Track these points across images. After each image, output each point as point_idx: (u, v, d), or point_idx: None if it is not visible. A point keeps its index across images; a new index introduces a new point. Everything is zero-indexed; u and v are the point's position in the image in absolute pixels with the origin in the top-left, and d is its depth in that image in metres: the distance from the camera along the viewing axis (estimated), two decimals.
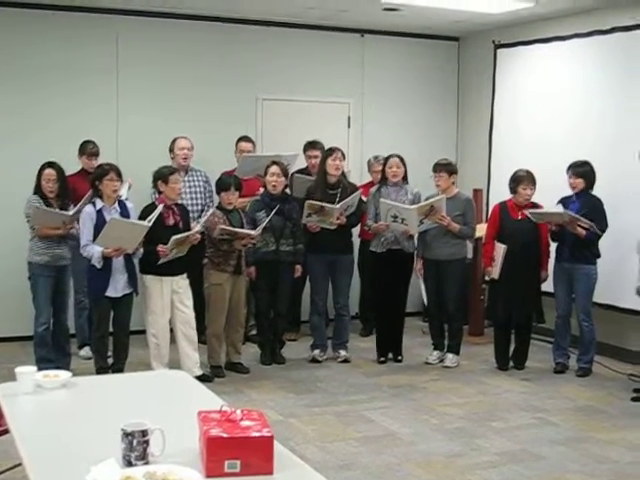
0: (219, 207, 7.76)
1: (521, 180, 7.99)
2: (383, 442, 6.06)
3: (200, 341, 8.30)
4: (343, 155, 8.19)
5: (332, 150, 8.19)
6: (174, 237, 7.08)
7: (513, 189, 8.04)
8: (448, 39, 10.87)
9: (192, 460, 2.86)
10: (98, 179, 7.03)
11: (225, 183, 7.77)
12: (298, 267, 8.17)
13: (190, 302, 7.47)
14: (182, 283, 7.43)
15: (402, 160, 8.14)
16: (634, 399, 7.13)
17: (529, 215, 7.84)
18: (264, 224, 7.66)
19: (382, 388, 7.51)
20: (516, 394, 7.40)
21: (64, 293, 7.59)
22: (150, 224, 6.93)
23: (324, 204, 7.89)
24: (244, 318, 8.11)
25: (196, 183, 8.73)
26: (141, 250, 7.13)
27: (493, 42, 10.10)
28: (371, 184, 8.87)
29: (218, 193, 7.83)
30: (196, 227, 7.44)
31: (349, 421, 6.55)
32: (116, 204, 7.10)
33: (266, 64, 9.87)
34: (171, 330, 7.50)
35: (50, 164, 7.38)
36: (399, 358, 8.43)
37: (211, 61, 9.64)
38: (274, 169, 7.97)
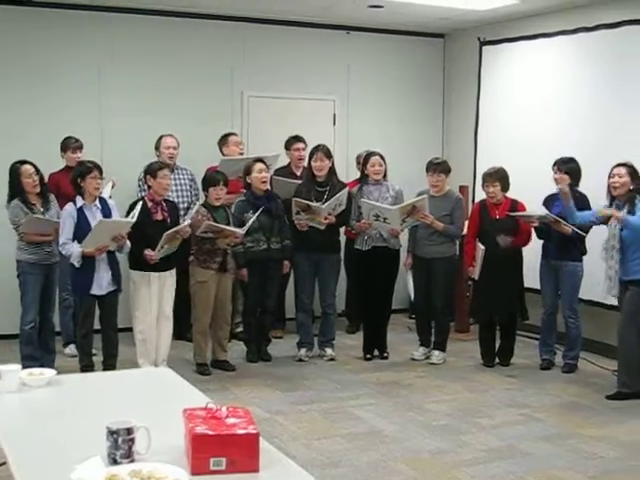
0: (205, 204, 7.74)
1: (484, 179, 8.05)
2: (369, 439, 6.06)
3: (186, 339, 8.32)
4: (328, 153, 8.17)
5: (314, 150, 8.19)
6: (166, 233, 7.07)
7: (483, 188, 8.09)
8: (433, 36, 10.88)
9: (178, 458, 2.85)
10: (80, 177, 6.99)
11: (213, 179, 7.76)
12: (286, 263, 8.17)
13: (171, 299, 7.47)
14: (169, 279, 7.42)
15: (382, 158, 8.15)
16: (609, 397, 7.14)
17: (520, 217, 7.89)
18: (249, 224, 7.63)
19: (368, 385, 7.51)
20: (502, 391, 7.41)
21: (52, 291, 7.55)
22: (134, 220, 6.92)
23: (310, 203, 7.88)
24: (230, 315, 8.10)
25: (182, 181, 8.72)
26: (128, 244, 7.10)
27: (478, 39, 10.11)
28: (359, 181, 8.85)
29: (206, 189, 7.81)
30: (185, 221, 7.42)
31: (335, 418, 6.55)
32: (97, 201, 7.06)
33: (252, 61, 9.86)
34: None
35: (23, 161, 7.31)
36: (385, 355, 8.44)
37: (196, 58, 9.61)
38: (260, 166, 7.96)
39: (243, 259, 7.89)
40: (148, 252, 7.13)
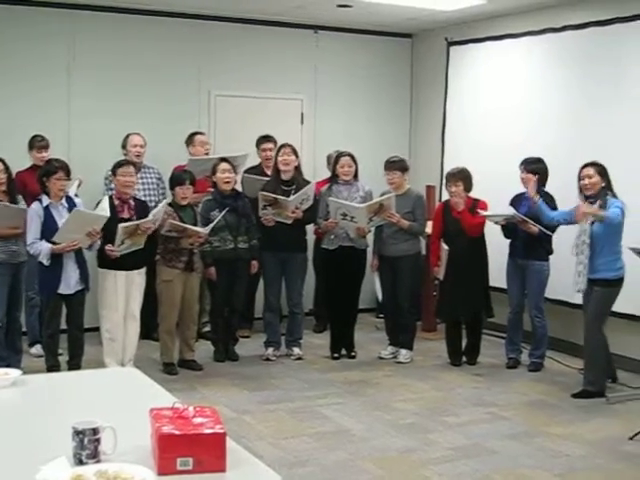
0: (171, 203, 7.71)
1: (447, 178, 8.12)
2: (337, 438, 6.07)
3: (153, 338, 8.28)
4: (294, 151, 8.17)
5: (281, 146, 8.22)
6: (121, 225, 7.03)
7: (446, 188, 8.15)
8: (401, 36, 10.90)
9: (144, 458, 2.83)
10: (46, 176, 6.95)
11: (180, 178, 7.75)
12: (254, 263, 8.14)
13: (138, 298, 7.44)
14: (137, 278, 7.39)
15: (353, 158, 8.16)
16: (575, 395, 7.20)
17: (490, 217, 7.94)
18: (213, 224, 7.62)
19: (336, 384, 7.52)
20: (469, 389, 7.45)
21: (19, 291, 7.47)
22: (108, 214, 6.90)
23: (277, 196, 7.88)
24: (197, 315, 8.08)
25: (149, 180, 8.68)
26: (98, 242, 7.06)
27: (446, 39, 10.15)
28: (328, 181, 8.85)
29: (172, 188, 7.78)
30: (148, 217, 7.38)
31: (303, 417, 6.55)
32: (63, 200, 7.02)
33: (220, 60, 9.84)
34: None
35: None
36: (353, 354, 8.45)
37: (164, 57, 9.57)
38: (224, 166, 7.96)
39: (210, 258, 7.87)
40: (108, 247, 7.10)
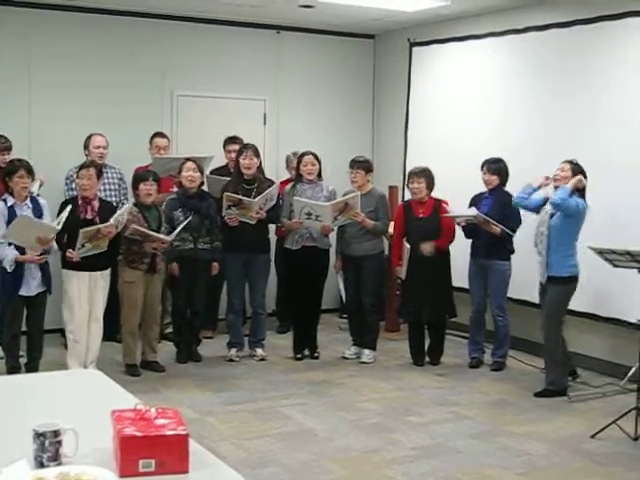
0: (136, 204, 7.67)
1: (409, 176, 8.16)
2: (300, 438, 6.07)
3: (115, 340, 8.23)
4: (256, 152, 8.16)
5: (243, 148, 8.19)
6: (82, 230, 6.99)
7: (407, 185, 8.18)
8: (364, 37, 10.92)
9: (106, 460, 2.81)
10: (8, 176, 6.92)
11: (143, 175, 7.76)
12: (215, 265, 8.12)
13: (102, 299, 7.39)
14: (100, 280, 7.34)
15: (316, 157, 8.16)
16: (537, 394, 7.25)
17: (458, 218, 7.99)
18: (176, 232, 7.58)
19: (299, 385, 7.52)
20: (432, 389, 7.47)
21: None
22: (59, 227, 6.83)
23: (242, 197, 7.87)
24: (159, 316, 8.04)
25: (111, 180, 8.62)
26: (55, 247, 7.01)
27: (408, 40, 10.17)
28: (290, 180, 8.86)
29: (136, 187, 7.75)
30: (110, 221, 7.34)
31: (266, 418, 6.54)
32: (28, 200, 6.99)
33: (182, 60, 9.79)
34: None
35: None
36: (316, 355, 8.45)
37: (126, 56, 9.50)
38: (189, 165, 7.95)
39: (171, 255, 7.84)
40: (69, 252, 7.05)
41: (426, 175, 8.05)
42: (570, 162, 7.15)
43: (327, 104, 10.73)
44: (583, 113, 8.09)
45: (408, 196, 9.10)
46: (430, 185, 8.07)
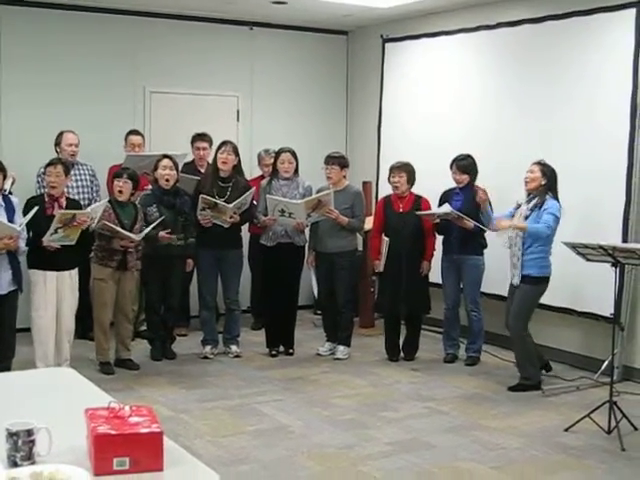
0: (110, 200, 7.64)
1: (391, 170, 8.18)
2: (275, 435, 6.06)
3: (89, 338, 8.19)
4: (235, 150, 8.14)
5: (222, 144, 8.16)
6: (59, 212, 6.94)
7: (389, 180, 8.19)
8: (337, 33, 10.91)
9: (80, 459, 2.80)
10: None
11: (118, 172, 7.73)
12: (190, 261, 8.10)
13: (70, 298, 7.35)
14: (68, 279, 7.29)
15: (294, 154, 8.15)
16: (511, 388, 7.29)
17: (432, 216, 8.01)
18: (146, 231, 7.54)
19: (274, 381, 7.51)
20: (406, 384, 7.49)
21: None
22: (19, 228, 6.77)
23: (218, 201, 7.84)
24: (133, 314, 8.01)
25: (83, 177, 8.59)
26: (22, 248, 6.95)
27: (381, 36, 10.18)
28: (261, 178, 8.86)
29: (111, 184, 7.74)
30: (87, 209, 7.28)
31: (241, 415, 6.53)
32: (0, 198, 6.92)
33: (155, 56, 9.75)
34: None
35: None
36: (290, 351, 8.44)
37: (98, 53, 9.45)
38: (166, 162, 7.91)
39: (145, 252, 7.82)
40: (44, 239, 7.00)
41: (407, 170, 8.08)
42: (539, 163, 7.17)
43: (300, 100, 10.72)
44: (556, 109, 8.11)
45: (382, 192, 9.15)
46: (411, 179, 8.10)
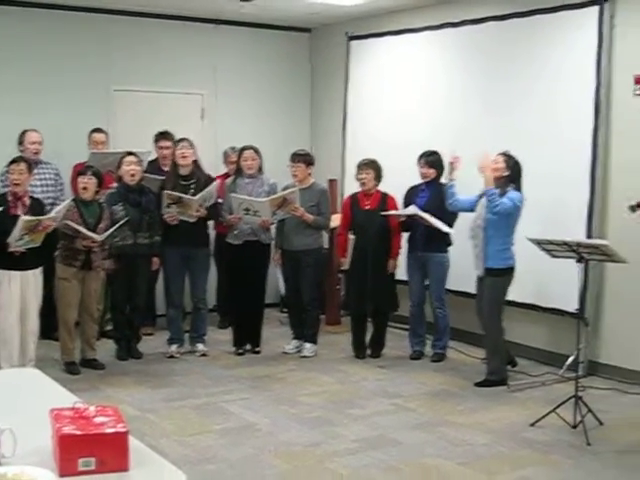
0: (75, 199, 7.59)
1: (358, 167, 8.20)
2: (242, 434, 6.05)
3: (53, 338, 8.13)
4: (192, 145, 8.12)
5: (178, 141, 8.18)
6: (24, 218, 6.89)
7: (356, 177, 8.21)
8: (301, 30, 10.91)
9: (45, 460, 2.78)
10: None
11: (82, 169, 7.67)
12: (156, 260, 8.07)
13: (35, 298, 7.29)
14: (32, 279, 7.23)
15: (257, 151, 8.14)
16: (478, 384, 7.32)
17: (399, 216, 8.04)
18: (109, 232, 7.49)
19: (241, 380, 7.50)
20: (373, 381, 7.50)
21: None
22: None
23: (182, 195, 7.82)
24: (98, 313, 7.96)
25: (47, 176, 8.52)
26: None
27: (346, 34, 10.18)
28: (227, 175, 8.83)
29: (75, 182, 7.68)
30: (50, 214, 7.22)
31: (208, 414, 6.51)
32: None
33: (118, 54, 9.69)
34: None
35: None
36: (257, 349, 8.43)
37: (62, 51, 9.38)
38: (130, 158, 7.89)
39: (111, 251, 7.77)
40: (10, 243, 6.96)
41: (374, 167, 8.10)
42: (504, 154, 7.21)
43: (266, 98, 10.70)
44: (520, 105, 8.16)
45: (348, 189, 9.16)
46: (378, 176, 8.12)
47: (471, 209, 7.42)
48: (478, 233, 7.21)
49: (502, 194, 7.08)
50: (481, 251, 7.19)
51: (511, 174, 7.15)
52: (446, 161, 7.76)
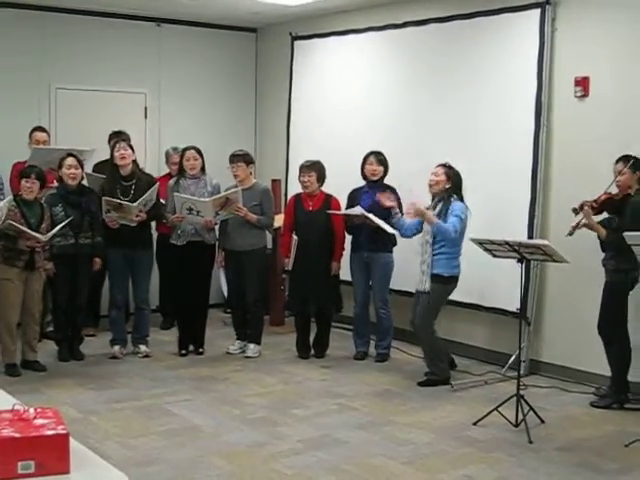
0: (16, 199, 7.48)
1: (300, 169, 8.22)
2: (186, 435, 6.02)
3: None
4: (130, 145, 8.06)
5: (116, 142, 8.11)
6: None
7: (299, 179, 8.22)
8: (246, 30, 10.89)
9: None
10: None
11: (25, 171, 7.55)
12: (97, 260, 7.98)
13: None
14: None
15: (199, 152, 8.10)
16: (420, 384, 7.36)
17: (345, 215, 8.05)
18: (53, 232, 7.40)
19: (184, 381, 7.46)
20: (317, 382, 7.51)
21: None
22: None
23: (122, 201, 7.75)
24: (39, 314, 7.87)
25: None
26: None
27: (290, 34, 10.18)
28: (169, 176, 8.78)
29: (17, 182, 7.56)
30: None
31: (151, 415, 6.47)
32: None
33: (60, 52, 9.61)
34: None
35: None
36: (201, 350, 8.39)
37: (2, 49, 9.25)
38: (70, 161, 7.78)
39: (49, 253, 7.66)
40: None
41: (317, 168, 8.10)
42: (444, 165, 7.26)
43: (209, 98, 10.67)
44: (463, 107, 8.21)
45: (292, 189, 9.16)
46: (321, 178, 8.12)
47: (416, 232, 7.48)
48: (427, 249, 7.24)
49: (446, 210, 7.12)
50: (428, 267, 7.22)
51: (452, 186, 7.20)
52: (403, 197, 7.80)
